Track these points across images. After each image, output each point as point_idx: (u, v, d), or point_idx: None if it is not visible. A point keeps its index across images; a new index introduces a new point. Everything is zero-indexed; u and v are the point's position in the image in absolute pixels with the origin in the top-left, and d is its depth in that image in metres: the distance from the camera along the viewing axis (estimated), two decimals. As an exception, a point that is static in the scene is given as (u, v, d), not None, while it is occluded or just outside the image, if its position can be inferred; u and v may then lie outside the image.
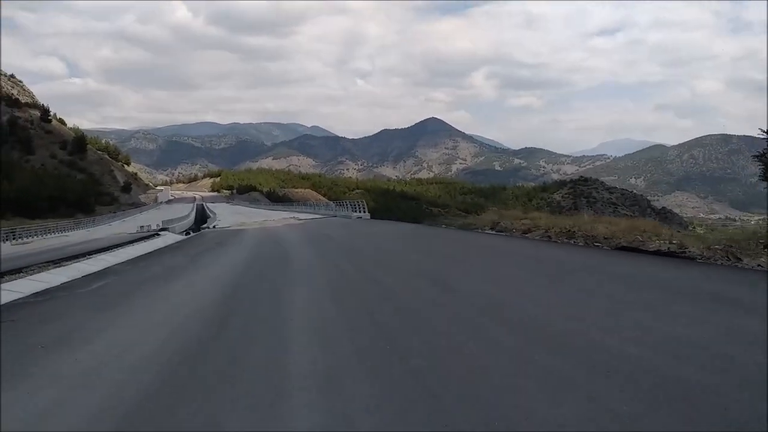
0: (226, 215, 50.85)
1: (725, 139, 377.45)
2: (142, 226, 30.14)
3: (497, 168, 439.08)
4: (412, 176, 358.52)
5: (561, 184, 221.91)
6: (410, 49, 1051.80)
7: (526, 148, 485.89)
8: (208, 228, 29.92)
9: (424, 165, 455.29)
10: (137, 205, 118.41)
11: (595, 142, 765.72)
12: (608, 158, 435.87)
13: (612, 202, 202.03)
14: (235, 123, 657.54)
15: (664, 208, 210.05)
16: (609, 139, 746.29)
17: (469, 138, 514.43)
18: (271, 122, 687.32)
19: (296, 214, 41.70)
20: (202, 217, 52.66)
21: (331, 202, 40.57)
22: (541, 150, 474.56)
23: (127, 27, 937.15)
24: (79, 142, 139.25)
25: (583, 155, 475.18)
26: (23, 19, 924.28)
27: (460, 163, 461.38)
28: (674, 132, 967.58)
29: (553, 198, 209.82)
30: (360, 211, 28.77)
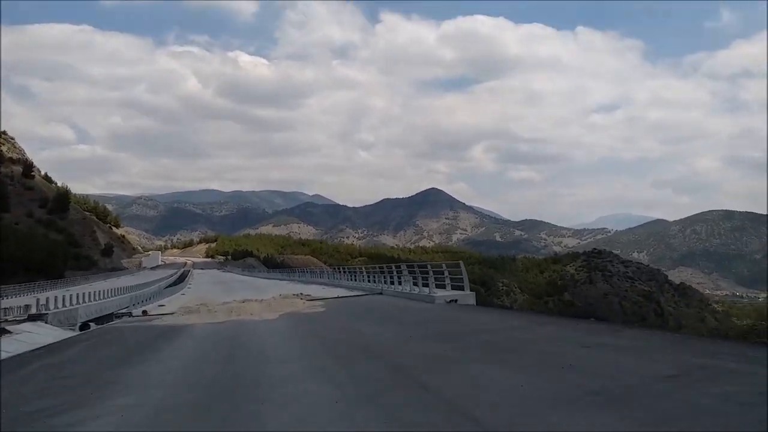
0: (200, 286, 36.59)
1: (728, 215, 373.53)
2: (6, 309, 15.71)
3: (498, 239, 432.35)
4: (414, 245, 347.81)
5: (573, 256, 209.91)
6: (413, 122, 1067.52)
7: (526, 220, 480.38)
8: (129, 315, 15.37)
9: (425, 234, 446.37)
10: (117, 270, 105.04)
11: (594, 215, 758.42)
12: (609, 232, 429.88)
13: (628, 276, 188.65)
14: (237, 191, 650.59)
15: (682, 283, 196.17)
16: (608, 213, 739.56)
17: (470, 209, 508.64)
18: (273, 190, 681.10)
19: (302, 287, 27.16)
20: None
21: (358, 270, 25.75)
22: (541, 222, 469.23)
23: (138, 96, 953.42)
24: (61, 200, 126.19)
25: (584, 228, 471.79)
26: (38, 87, 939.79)
27: (461, 234, 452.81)
28: (673, 208, 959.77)
29: (567, 270, 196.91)
30: (447, 286, 14.09)
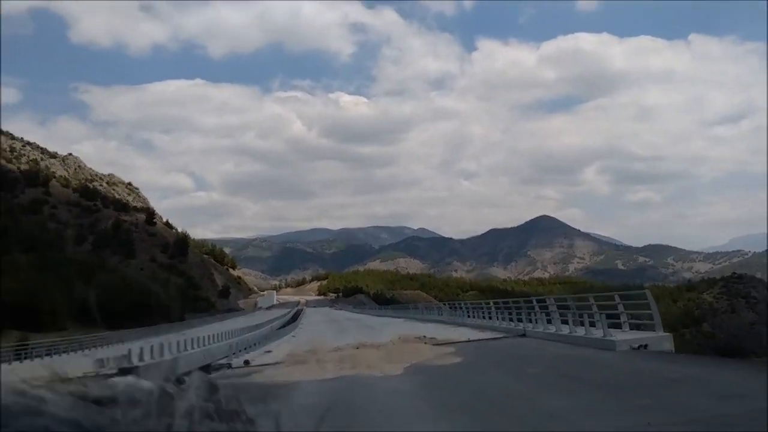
0: (312, 326, 34.86)
1: None
2: (101, 359, 14.18)
3: (620, 267, 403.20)
4: (527, 276, 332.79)
5: (710, 282, 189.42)
6: (517, 147, 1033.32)
7: (650, 245, 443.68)
8: (228, 367, 13.14)
9: (538, 265, 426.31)
10: (234, 311, 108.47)
11: (726, 237, 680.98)
12: (746, 254, 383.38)
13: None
14: (345, 228, 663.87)
15: None
16: (742, 233, 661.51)
17: (586, 235, 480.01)
18: (378, 226, 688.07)
19: (420, 326, 24.21)
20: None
21: (483, 305, 22.33)
22: (667, 247, 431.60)
23: (249, 142, 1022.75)
24: (180, 244, 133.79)
25: (717, 252, 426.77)
26: (159, 140, 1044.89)
27: (578, 262, 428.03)
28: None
29: (703, 299, 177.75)
30: (623, 325, 10.10)
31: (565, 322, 12.39)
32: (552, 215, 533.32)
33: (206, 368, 13.91)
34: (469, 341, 14.52)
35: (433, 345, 13.61)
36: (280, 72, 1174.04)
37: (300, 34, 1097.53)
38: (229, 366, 13.04)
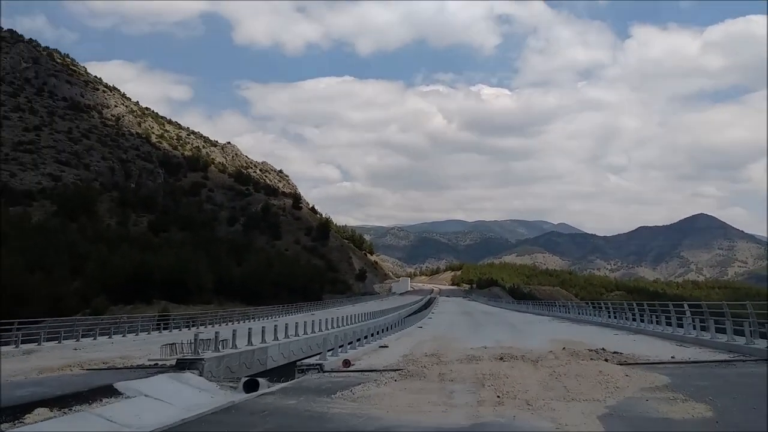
0: (443, 315, 30.92)
1: None
2: (172, 345, 11.37)
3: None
4: (679, 279, 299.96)
5: None
6: (673, 141, 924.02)
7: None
8: (319, 369, 9.52)
9: (692, 267, 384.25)
10: (368, 294, 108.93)
11: None
12: None
13: None
14: (480, 221, 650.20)
15: None
16: None
17: (750, 237, 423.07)
18: (516, 219, 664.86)
19: (576, 328, 19.15)
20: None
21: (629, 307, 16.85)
22: None
23: (391, 136, 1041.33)
24: (323, 228, 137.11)
25: None
26: (310, 133, 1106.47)
27: (739, 266, 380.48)
28: None
29: None
30: None
31: None
32: (711, 214, 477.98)
33: (292, 366, 10.55)
34: (676, 362, 9.50)
35: (620, 365, 8.93)
36: (423, 66, 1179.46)
37: (444, 29, 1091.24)
38: (320, 368, 9.51)
